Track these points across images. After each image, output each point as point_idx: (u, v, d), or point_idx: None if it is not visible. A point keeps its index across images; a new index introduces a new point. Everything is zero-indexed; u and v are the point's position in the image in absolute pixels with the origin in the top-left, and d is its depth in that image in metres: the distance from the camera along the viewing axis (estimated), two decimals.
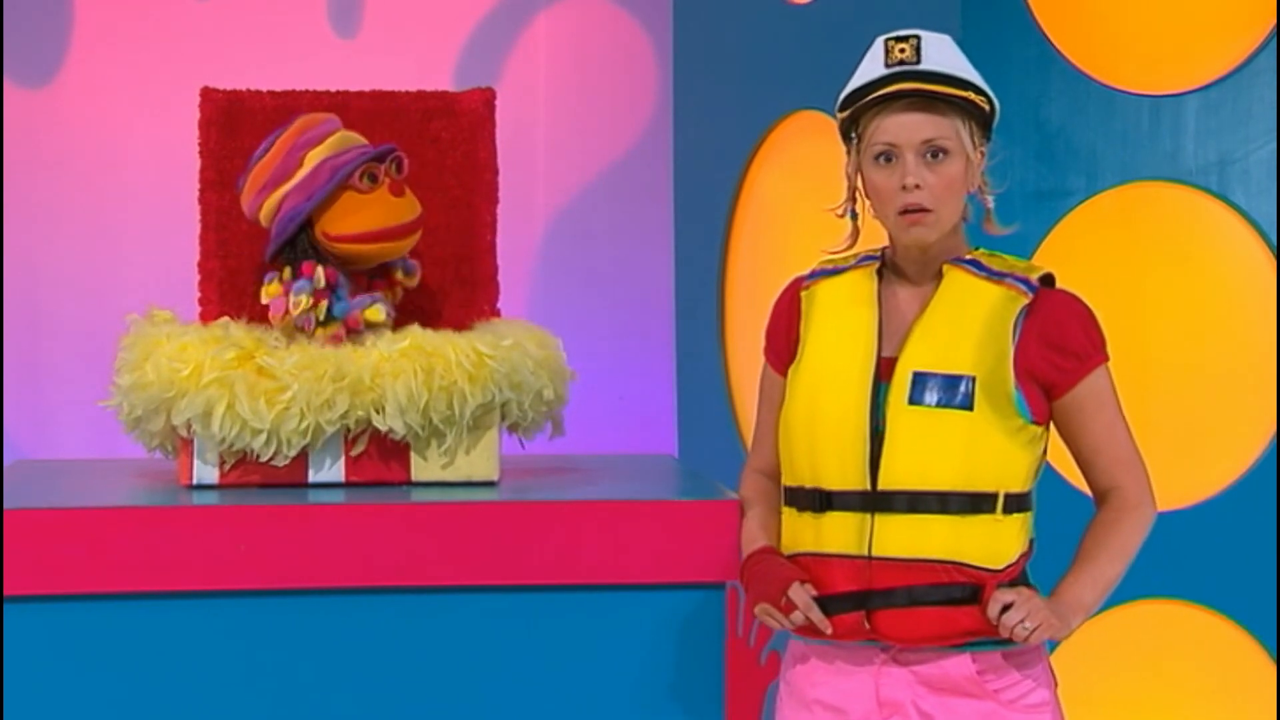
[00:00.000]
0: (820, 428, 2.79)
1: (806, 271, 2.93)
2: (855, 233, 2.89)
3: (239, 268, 3.30)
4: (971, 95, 2.77)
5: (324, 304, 3.17)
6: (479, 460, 3.22)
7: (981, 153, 2.81)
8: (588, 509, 3.03)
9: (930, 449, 2.73)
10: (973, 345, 2.75)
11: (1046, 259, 3.78)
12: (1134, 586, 3.87)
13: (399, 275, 3.31)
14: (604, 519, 3.02)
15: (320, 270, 3.17)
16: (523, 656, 3.01)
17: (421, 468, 3.21)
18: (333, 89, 3.38)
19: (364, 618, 2.99)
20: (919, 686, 2.79)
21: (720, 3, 4.72)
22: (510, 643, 3.01)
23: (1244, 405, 3.90)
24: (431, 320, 3.31)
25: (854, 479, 2.75)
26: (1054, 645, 3.75)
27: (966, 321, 2.77)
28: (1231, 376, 3.90)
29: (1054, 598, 2.77)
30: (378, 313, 3.19)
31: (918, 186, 2.74)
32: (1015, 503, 2.76)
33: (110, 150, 5.14)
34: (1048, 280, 2.82)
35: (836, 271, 2.90)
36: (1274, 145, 3.85)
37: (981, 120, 2.80)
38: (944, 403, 2.73)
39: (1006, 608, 2.71)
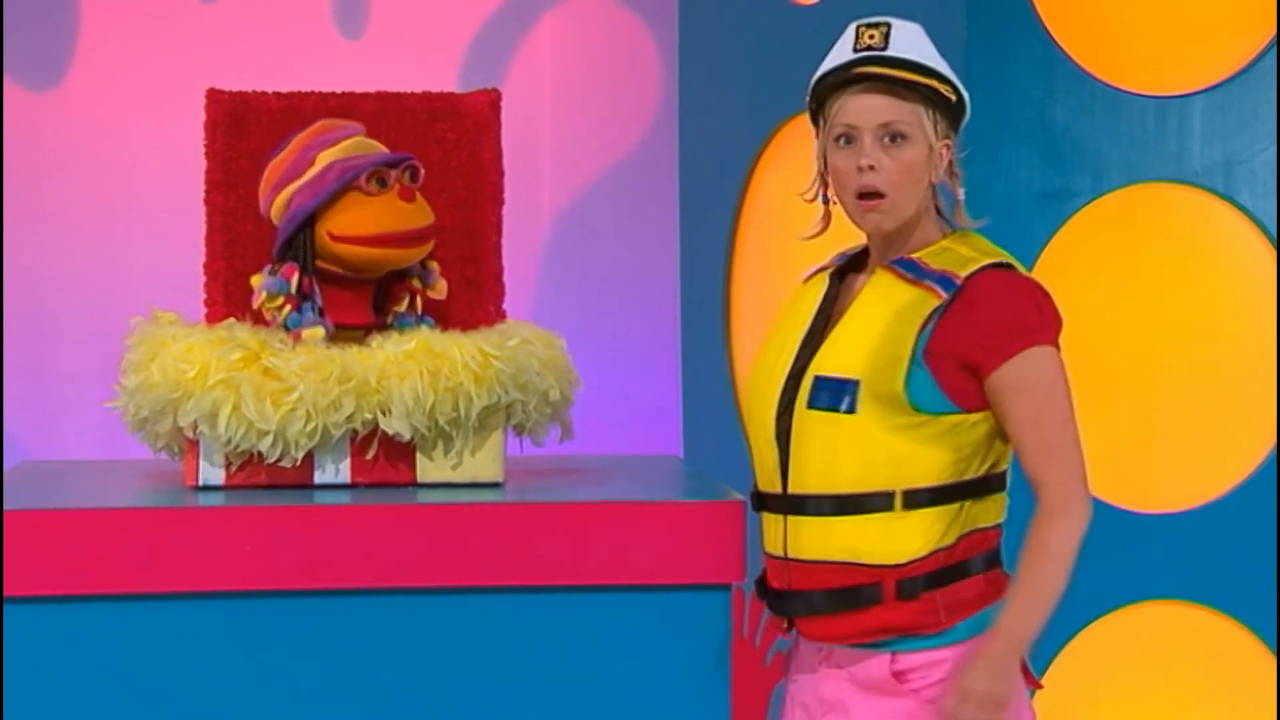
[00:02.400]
0: (749, 431, 2.87)
1: (814, 267, 2.95)
2: (826, 217, 2.88)
3: (245, 269, 3.30)
4: (935, 83, 2.76)
5: (288, 309, 3.18)
6: (484, 461, 3.22)
7: (947, 144, 2.79)
8: (593, 510, 3.03)
9: (825, 453, 2.75)
10: (868, 349, 2.74)
11: (1052, 260, 3.78)
12: (1139, 588, 3.88)
13: (416, 283, 3.31)
14: (609, 520, 3.02)
15: (298, 277, 3.18)
16: (528, 657, 3.01)
17: (427, 469, 3.21)
18: (338, 90, 3.38)
19: (370, 619, 2.99)
20: (849, 685, 2.80)
21: (726, 3, 4.72)
22: (515, 644, 3.01)
23: (1249, 406, 3.89)
24: (437, 322, 3.31)
25: (773, 482, 2.81)
26: (1057, 647, 3.76)
27: (872, 325, 2.75)
28: (1237, 378, 3.89)
29: (992, 637, 2.70)
30: (315, 334, 3.18)
31: (872, 168, 2.74)
32: (924, 498, 2.73)
33: (116, 152, 5.14)
34: (999, 268, 2.75)
35: (824, 268, 2.92)
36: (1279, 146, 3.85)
37: (947, 110, 2.78)
38: (830, 406, 2.74)
39: None
